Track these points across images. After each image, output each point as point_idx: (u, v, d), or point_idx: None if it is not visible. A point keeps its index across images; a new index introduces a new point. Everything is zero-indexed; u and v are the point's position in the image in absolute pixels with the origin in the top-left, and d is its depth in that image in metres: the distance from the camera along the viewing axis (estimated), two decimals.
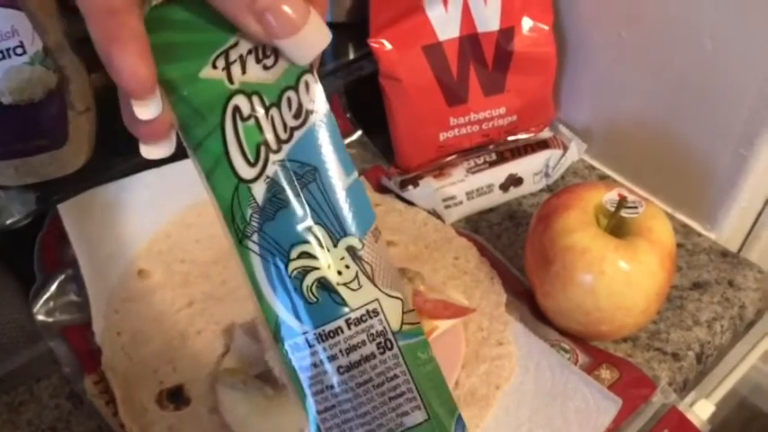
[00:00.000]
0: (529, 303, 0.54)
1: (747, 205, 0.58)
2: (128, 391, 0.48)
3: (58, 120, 0.47)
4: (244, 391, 0.46)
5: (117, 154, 0.54)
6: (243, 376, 0.46)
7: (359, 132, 0.66)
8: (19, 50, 0.44)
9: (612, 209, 0.49)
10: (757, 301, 0.56)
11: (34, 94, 0.45)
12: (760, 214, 0.61)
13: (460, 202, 0.61)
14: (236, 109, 0.28)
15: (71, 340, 0.51)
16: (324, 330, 0.28)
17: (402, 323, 0.29)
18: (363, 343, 0.28)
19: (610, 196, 0.49)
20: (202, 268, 0.55)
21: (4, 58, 0.44)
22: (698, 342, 0.52)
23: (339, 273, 0.28)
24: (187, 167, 0.54)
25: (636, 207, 0.49)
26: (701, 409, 0.55)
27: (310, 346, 0.28)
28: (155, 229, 0.55)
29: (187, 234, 0.56)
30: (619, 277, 0.46)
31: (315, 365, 0.28)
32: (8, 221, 0.51)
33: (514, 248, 0.59)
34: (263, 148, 0.28)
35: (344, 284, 0.28)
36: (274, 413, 0.44)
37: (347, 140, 0.65)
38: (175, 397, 0.48)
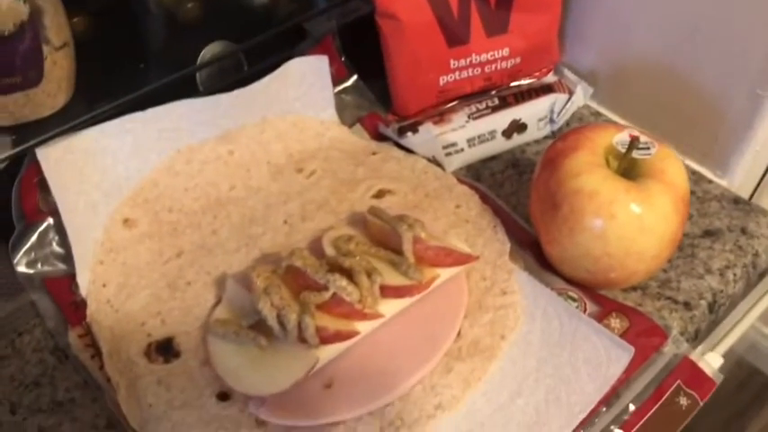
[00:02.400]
0: (533, 252, 0.51)
1: (761, 149, 0.56)
2: (114, 345, 0.46)
3: (32, 55, 0.44)
4: (236, 342, 0.43)
5: (99, 95, 0.51)
6: (235, 327, 0.44)
7: (354, 77, 0.62)
8: None
9: (623, 150, 0.46)
10: None
11: (3, 26, 0.42)
12: None
13: (461, 150, 0.58)
14: None
15: (54, 293, 0.49)
16: None
17: None
18: None
19: (620, 137, 0.47)
20: (191, 218, 0.53)
21: None
22: (710, 291, 0.50)
23: None
24: (175, 110, 0.52)
25: (648, 148, 0.46)
26: (711, 360, 0.53)
27: None
28: (140, 177, 0.52)
29: (175, 182, 0.53)
30: (630, 221, 0.44)
31: None
32: None
33: (518, 197, 0.57)
34: None
35: None
36: (268, 363, 0.42)
37: (342, 86, 0.62)
38: (165, 350, 0.46)
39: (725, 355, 0.98)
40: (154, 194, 0.52)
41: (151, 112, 0.51)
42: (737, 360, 1.46)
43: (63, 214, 0.48)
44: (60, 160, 0.48)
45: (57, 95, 0.47)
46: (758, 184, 0.60)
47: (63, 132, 0.48)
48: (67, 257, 0.49)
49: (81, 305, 0.48)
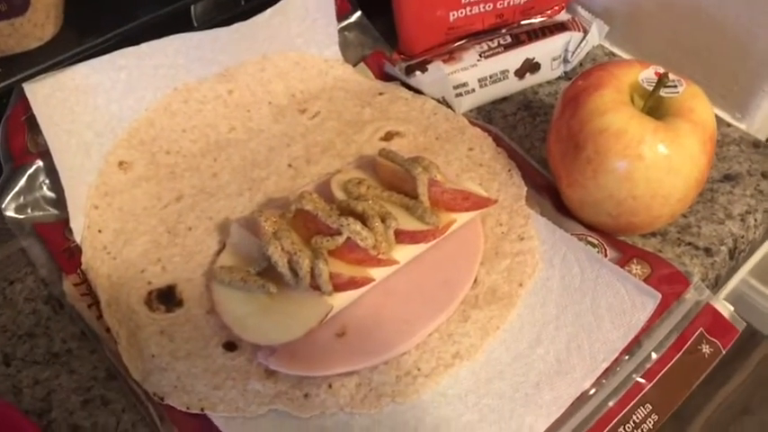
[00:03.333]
0: (551, 197, 0.49)
1: None
2: (113, 293, 0.43)
3: None
4: (243, 289, 0.41)
5: (90, 27, 0.47)
6: (242, 274, 0.41)
7: (358, 13, 0.59)
8: None
9: (650, 88, 0.44)
10: None
11: None
12: None
13: (472, 90, 0.55)
14: None
15: (46, 239, 0.46)
16: None
17: None
18: None
19: (646, 74, 0.44)
20: (190, 160, 0.50)
21: None
22: (731, 236, 0.49)
23: None
24: (170, 45, 0.49)
25: (675, 86, 0.44)
26: (723, 309, 0.52)
27: None
28: (135, 117, 0.49)
29: (172, 122, 0.50)
30: (658, 162, 0.42)
31: None
32: None
33: (531, 140, 0.54)
34: None
35: None
36: (278, 311, 0.40)
37: (345, 22, 0.58)
38: (167, 298, 0.43)
39: None
40: (150, 135, 0.49)
41: (145, 46, 0.48)
42: None
43: (54, 155, 0.45)
44: (49, 97, 0.45)
45: (44, 26, 0.44)
46: None
47: (52, 67, 0.44)
48: (59, 202, 0.46)
49: (75, 252, 0.45)
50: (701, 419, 1.38)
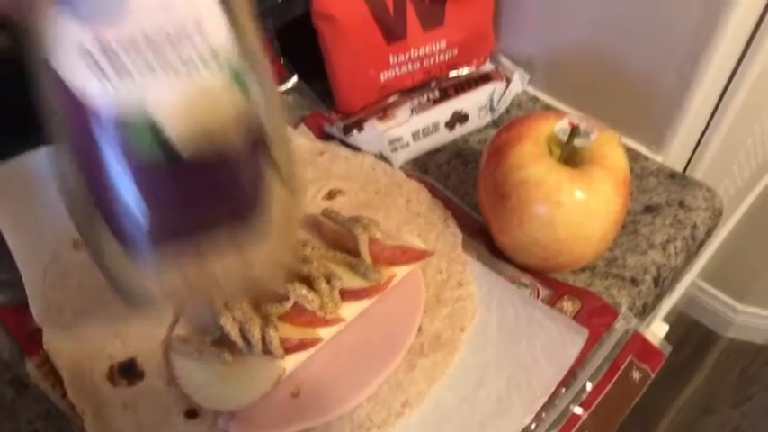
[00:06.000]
0: (485, 241, 0.53)
1: (692, 125, 0.58)
2: (76, 371, 0.45)
3: None
4: (201, 359, 0.43)
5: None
6: (198, 344, 0.44)
7: (295, 78, 0.62)
8: None
9: (565, 138, 0.48)
10: (707, 219, 0.56)
11: None
12: (704, 133, 0.62)
13: (407, 144, 0.59)
14: None
15: (7, 323, 0.48)
16: None
17: None
18: None
19: (561, 125, 0.48)
20: None
21: None
22: (654, 265, 0.53)
23: None
24: None
25: (588, 135, 0.48)
26: (657, 329, 0.55)
27: None
28: None
29: None
30: (576, 207, 0.46)
31: None
32: None
33: (465, 187, 0.58)
34: None
35: None
36: (235, 377, 0.42)
37: (284, 87, 0.62)
38: (128, 371, 0.45)
39: (667, 314, 1.02)
40: None
41: None
42: (678, 315, 1.53)
43: (9, 241, 0.47)
44: (2, 185, 0.47)
45: None
46: (690, 158, 0.62)
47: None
48: (17, 285, 0.48)
49: (36, 333, 0.47)
50: (665, 424, 1.42)
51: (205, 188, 0.31)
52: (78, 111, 0.28)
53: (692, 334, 1.56)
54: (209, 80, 0.29)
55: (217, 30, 0.29)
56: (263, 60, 0.32)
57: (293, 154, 0.34)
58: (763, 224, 1.22)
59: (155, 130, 0.28)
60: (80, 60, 0.27)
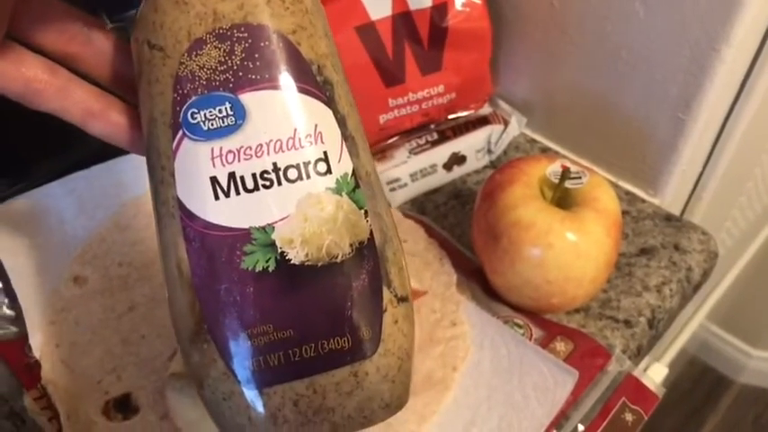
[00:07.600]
0: (479, 281, 0.53)
1: (687, 168, 0.59)
2: (72, 405, 0.46)
3: None
4: (194, 395, 0.44)
5: (41, 156, 0.51)
6: (192, 380, 0.44)
7: None
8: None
9: (556, 181, 0.48)
10: (702, 262, 0.56)
11: None
12: (700, 176, 0.62)
13: (405, 185, 0.60)
14: None
15: (7, 356, 0.48)
16: None
17: None
18: None
19: (553, 168, 0.49)
20: (142, 271, 0.53)
21: None
22: (648, 307, 0.53)
23: None
24: (116, 167, 0.53)
25: (580, 177, 0.49)
26: (655, 373, 0.55)
27: None
28: (87, 235, 0.52)
29: (123, 237, 0.53)
30: (567, 249, 0.46)
31: None
32: None
33: (462, 227, 0.59)
34: None
35: None
36: None
37: None
38: (123, 406, 0.46)
39: (677, 358, 1.01)
40: (102, 250, 0.53)
41: (95, 169, 0.52)
42: (690, 359, 1.51)
43: (11, 277, 0.48)
44: (5, 224, 0.48)
45: None
46: (687, 201, 0.63)
47: (4, 197, 0.48)
48: (18, 320, 0.49)
49: (35, 367, 0.48)
50: None
51: (317, 302, 0.30)
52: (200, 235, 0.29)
53: (704, 378, 1.54)
54: (323, 192, 0.29)
55: (331, 141, 0.30)
56: (374, 174, 0.32)
57: (406, 270, 0.33)
58: None
59: (273, 244, 0.29)
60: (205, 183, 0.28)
